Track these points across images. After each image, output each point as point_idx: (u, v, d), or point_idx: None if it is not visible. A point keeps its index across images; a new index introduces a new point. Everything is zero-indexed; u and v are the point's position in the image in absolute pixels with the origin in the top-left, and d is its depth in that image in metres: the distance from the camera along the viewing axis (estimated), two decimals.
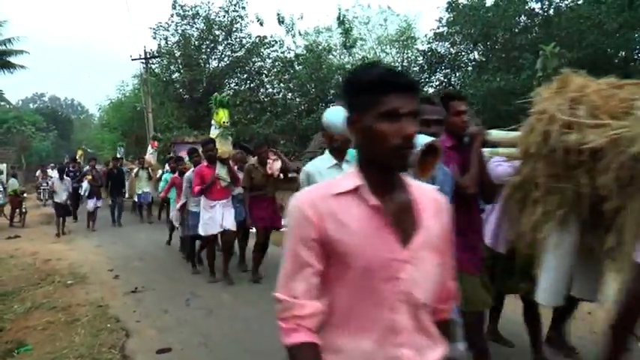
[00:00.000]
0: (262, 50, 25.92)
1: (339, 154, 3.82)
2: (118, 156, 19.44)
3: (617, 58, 16.67)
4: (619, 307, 2.92)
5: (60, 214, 13.63)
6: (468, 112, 3.21)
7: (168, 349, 4.77)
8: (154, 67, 25.62)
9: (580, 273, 3.28)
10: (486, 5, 19.24)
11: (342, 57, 25.09)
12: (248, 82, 26.24)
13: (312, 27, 30.79)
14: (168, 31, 25.70)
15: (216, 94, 8.76)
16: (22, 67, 29.14)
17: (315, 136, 16.68)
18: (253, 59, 25.97)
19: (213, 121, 8.41)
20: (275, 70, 24.82)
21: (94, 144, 35.44)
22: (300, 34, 25.90)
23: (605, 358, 2.37)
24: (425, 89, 23.12)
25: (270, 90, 25.41)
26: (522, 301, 4.09)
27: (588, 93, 2.98)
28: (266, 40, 25.75)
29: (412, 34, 25.14)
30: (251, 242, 7.79)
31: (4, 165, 23.93)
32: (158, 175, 14.10)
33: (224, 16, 25.74)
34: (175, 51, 25.74)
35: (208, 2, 25.60)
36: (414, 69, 23.76)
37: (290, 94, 24.57)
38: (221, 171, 7.11)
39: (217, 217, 7.13)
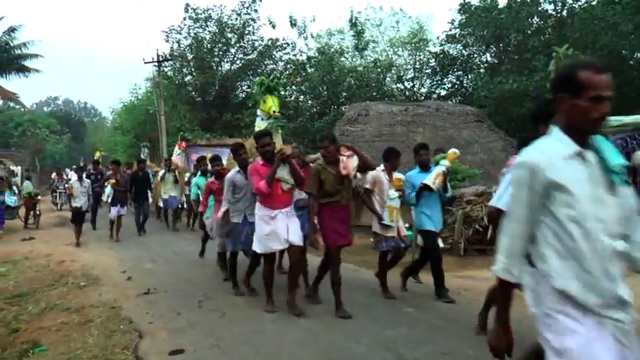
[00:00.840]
0: (274, 53, 26.07)
1: None
2: (142, 157, 19.12)
3: (633, 60, 16.51)
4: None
5: (77, 220, 12.13)
6: None
7: (180, 351, 4.78)
8: (166, 70, 25.81)
9: None
10: (499, 7, 19.17)
11: (354, 59, 25.10)
12: None
13: (324, 29, 30.94)
14: (180, 34, 25.97)
15: (262, 77, 7.85)
16: (36, 70, 29.52)
17: None
18: (265, 62, 26.13)
19: (258, 111, 7.48)
20: (287, 72, 24.89)
21: (107, 147, 35.76)
22: (312, 37, 26.04)
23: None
24: (437, 91, 23.10)
25: (282, 93, 25.45)
26: None
27: None
28: (278, 43, 25.90)
29: (424, 37, 25.10)
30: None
31: (19, 168, 24.15)
32: (187, 179, 13.63)
33: (236, 19, 25.94)
34: (188, 54, 25.95)
35: (221, 5, 25.95)
36: (426, 71, 23.72)
37: (302, 96, 24.61)
38: (282, 171, 5.74)
39: (281, 230, 5.70)
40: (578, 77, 2.04)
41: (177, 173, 14.20)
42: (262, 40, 26.21)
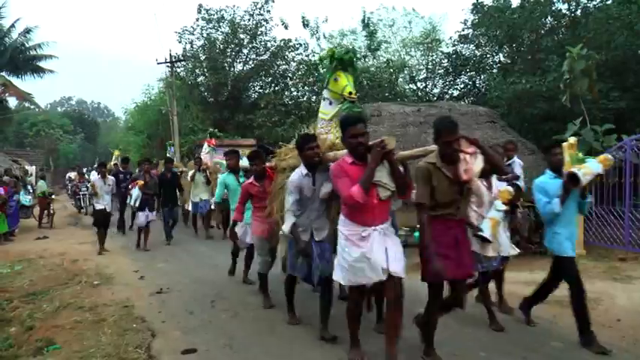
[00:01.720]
0: (287, 53, 26.05)
1: None
2: (168, 156, 18.40)
3: None
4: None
5: (101, 224, 10.87)
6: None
7: (193, 350, 4.79)
8: (179, 70, 25.88)
9: None
10: (512, 7, 19.01)
11: (366, 60, 25.05)
12: (273, 85, 26.41)
13: (336, 30, 30.86)
14: (193, 34, 26.01)
15: (332, 48, 6.15)
16: (51, 71, 29.92)
17: None
18: (278, 62, 26.12)
19: (325, 92, 5.97)
20: (299, 73, 24.87)
21: (120, 147, 35.98)
22: (325, 37, 25.95)
23: None
24: (450, 92, 22.99)
25: (295, 93, 25.46)
26: None
27: None
28: (291, 44, 25.88)
29: (437, 37, 24.97)
30: None
31: (34, 167, 24.42)
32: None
33: (249, 20, 25.96)
34: (200, 54, 26.02)
35: (233, 6, 25.91)
36: (439, 72, 23.61)
37: (315, 97, 24.60)
38: (381, 172, 4.10)
39: (377, 255, 4.01)
40: None
41: (208, 173, 12.77)
42: (275, 41, 26.20)
